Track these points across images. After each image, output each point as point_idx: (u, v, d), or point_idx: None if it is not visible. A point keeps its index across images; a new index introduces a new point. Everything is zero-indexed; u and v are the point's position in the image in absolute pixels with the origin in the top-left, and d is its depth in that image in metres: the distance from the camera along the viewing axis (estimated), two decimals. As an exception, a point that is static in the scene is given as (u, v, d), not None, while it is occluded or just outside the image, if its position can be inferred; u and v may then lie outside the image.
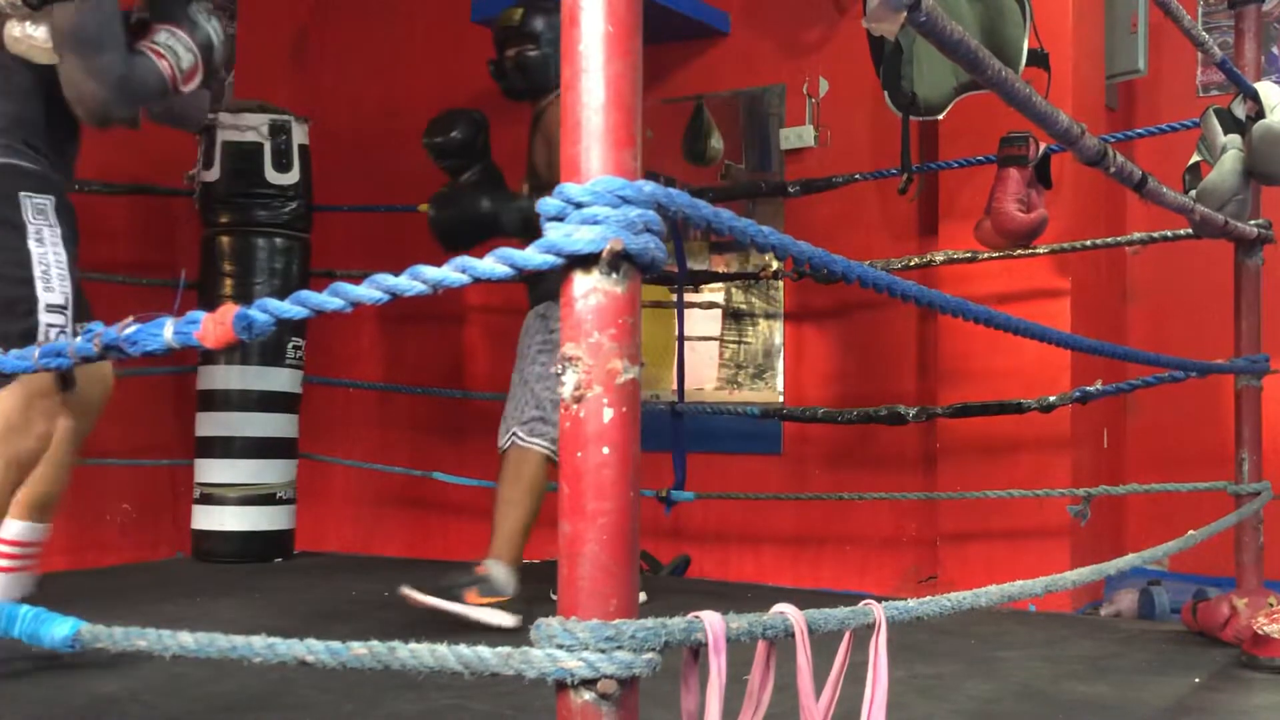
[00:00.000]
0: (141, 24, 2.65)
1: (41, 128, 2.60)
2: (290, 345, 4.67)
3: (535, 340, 3.42)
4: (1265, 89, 3.00)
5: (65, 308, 2.53)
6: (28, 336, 2.44)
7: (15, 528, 2.70)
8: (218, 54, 2.75)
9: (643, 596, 3.41)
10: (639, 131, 1.04)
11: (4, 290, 2.49)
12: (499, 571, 3.17)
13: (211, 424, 4.59)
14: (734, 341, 4.98)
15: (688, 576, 4.75)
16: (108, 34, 2.47)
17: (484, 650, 1.05)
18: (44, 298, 2.50)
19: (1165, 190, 2.46)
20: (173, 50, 2.63)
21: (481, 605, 3.11)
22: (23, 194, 2.53)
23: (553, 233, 1.02)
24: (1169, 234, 4.00)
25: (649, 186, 1.03)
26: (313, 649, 1.11)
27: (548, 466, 3.29)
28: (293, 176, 4.66)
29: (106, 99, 2.49)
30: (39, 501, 2.71)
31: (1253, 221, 3.05)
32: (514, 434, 3.31)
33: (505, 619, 3.14)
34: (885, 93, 3.91)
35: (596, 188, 1.01)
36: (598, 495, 1.01)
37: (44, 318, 2.50)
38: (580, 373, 1.01)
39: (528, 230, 3.31)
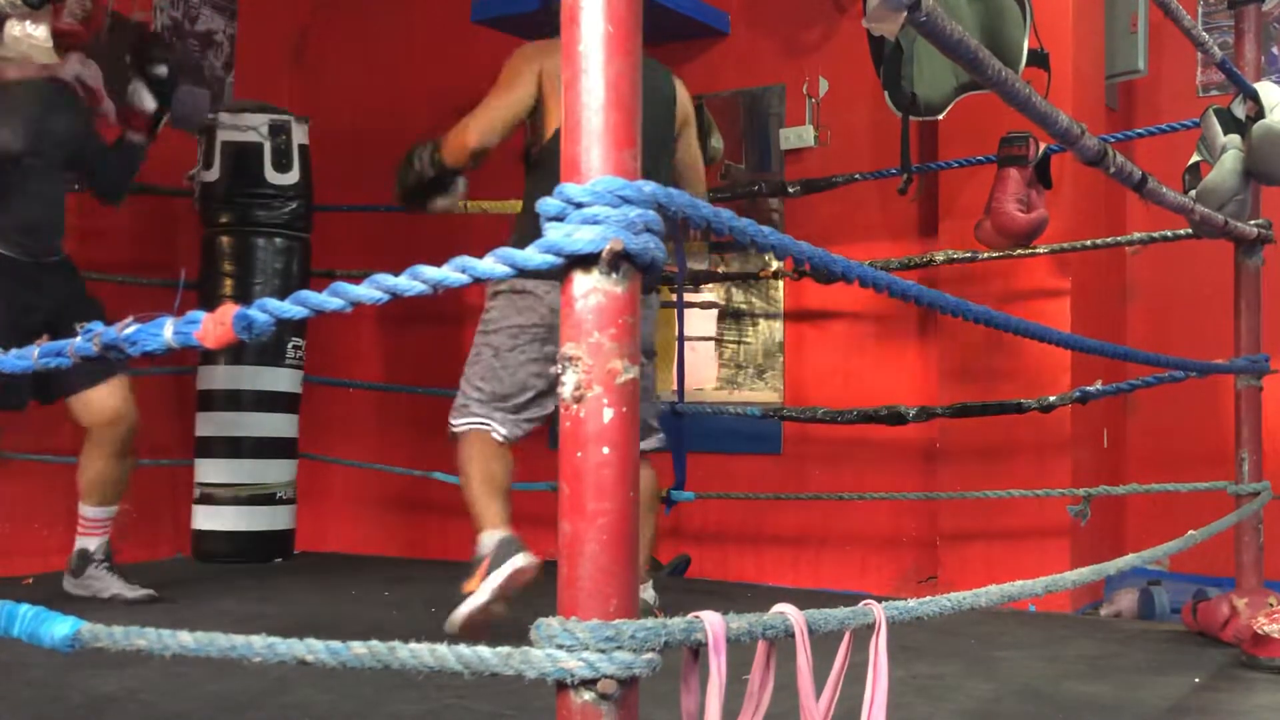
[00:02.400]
0: None
1: None
2: (290, 345, 4.67)
3: None
4: (1265, 89, 3.00)
5: None
6: None
7: None
8: None
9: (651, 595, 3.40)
10: (639, 131, 1.04)
11: None
12: (481, 541, 3.03)
13: (211, 424, 4.59)
14: (734, 341, 4.97)
15: (688, 576, 4.74)
16: None
17: (484, 650, 1.05)
18: None
19: (1165, 190, 2.46)
20: None
21: (479, 584, 3.00)
22: None
23: (553, 232, 1.02)
24: (1169, 234, 4.00)
25: (649, 186, 1.03)
26: (313, 649, 1.11)
27: (475, 437, 3.13)
28: (293, 176, 4.66)
29: None
30: None
31: (1253, 221, 3.05)
32: (450, 426, 3.22)
33: (487, 588, 2.88)
34: (885, 93, 3.92)
35: (596, 188, 1.01)
36: (598, 495, 1.01)
37: None
38: (580, 373, 1.01)
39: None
